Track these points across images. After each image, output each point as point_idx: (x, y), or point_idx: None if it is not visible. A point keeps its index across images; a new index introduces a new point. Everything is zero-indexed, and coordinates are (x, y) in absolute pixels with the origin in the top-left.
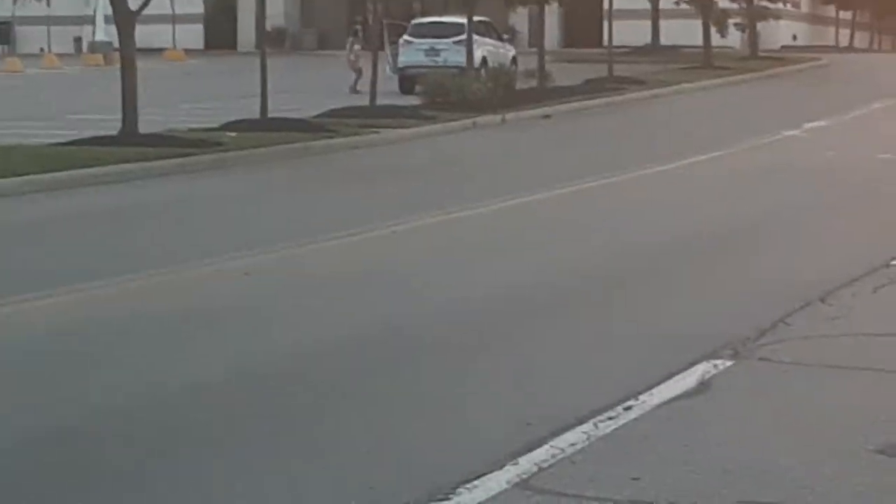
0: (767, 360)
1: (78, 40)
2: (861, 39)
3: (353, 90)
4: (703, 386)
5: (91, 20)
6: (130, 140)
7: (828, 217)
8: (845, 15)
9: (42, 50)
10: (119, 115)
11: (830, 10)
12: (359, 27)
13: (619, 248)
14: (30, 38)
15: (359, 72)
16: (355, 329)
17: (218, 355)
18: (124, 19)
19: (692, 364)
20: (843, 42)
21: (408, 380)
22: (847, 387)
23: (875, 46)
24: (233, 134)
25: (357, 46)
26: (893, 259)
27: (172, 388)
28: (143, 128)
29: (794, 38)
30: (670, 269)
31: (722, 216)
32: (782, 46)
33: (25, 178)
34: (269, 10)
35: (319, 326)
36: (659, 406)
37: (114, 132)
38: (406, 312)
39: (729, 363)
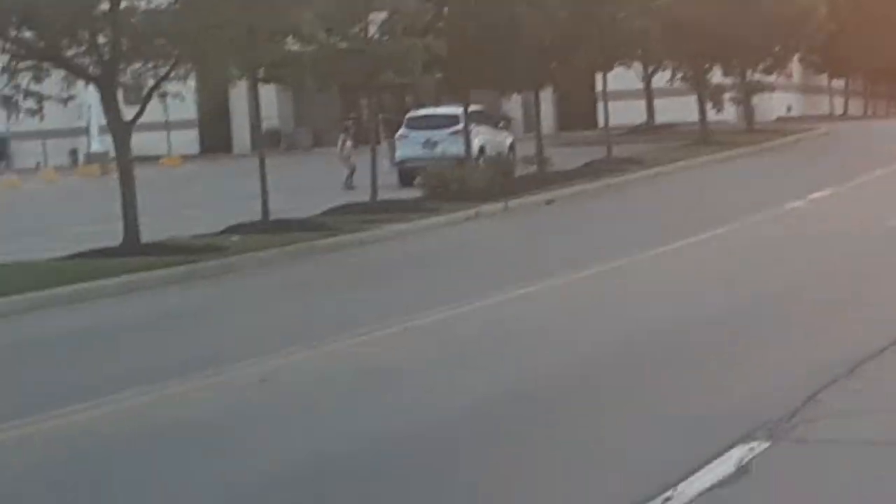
0: (804, 440)
1: (73, 152)
2: (855, 106)
3: (347, 186)
4: (742, 471)
5: (85, 131)
6: (133, 250)
7: (845, 287)
8: (838, 83)
9: (38, 164)
10: (120, 226)
11: (823, 80)
12: (349, 122)
13: (633, 333)
14: (25, 152)
15: (352, 167)
16: (377, 432)
17: (249, 461)
18: (119, 130)
19: (728, 448)
20: (838, 110)
21: (434, 480)
22: (888, 464)
23: (869, 113)
24: (235, 238)
25: (349, 143)
26: None
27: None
28: (145, 236)
29: (789, 108)
30: (690, 351)
31: (735, 293)
32: (778, 118)
33: (25, 295)
34: (263, 112)
35: (331, 433)
36: (698, 496)
37: (115, 243)
38: (422, 415)
39: (765, 445)
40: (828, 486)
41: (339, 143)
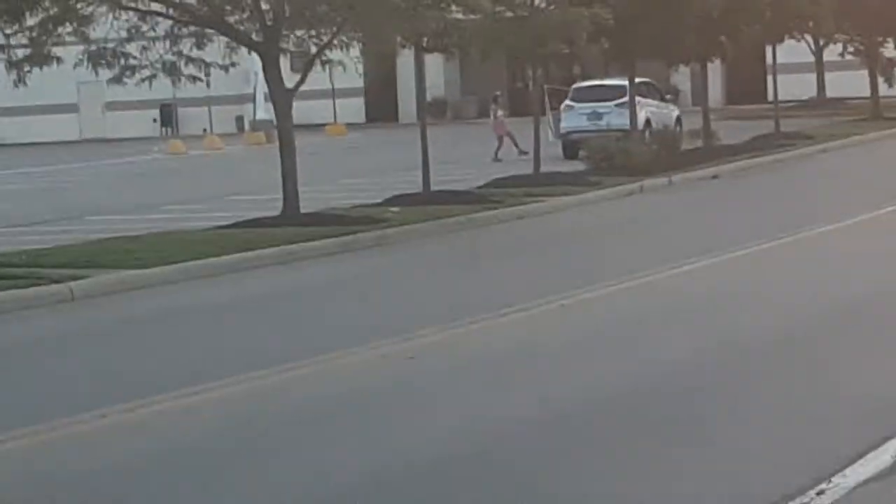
0: None
1: (240, 119)
2: None
3: (496, 158)
4: None
5: (251, 99)
6: (292, 220)
7: None
8: None
9: (204, 131)
10: (280, 195)
11: None
12: (498, 93)
13: (795, 313)
14: (192, 119)
15: (500, 139)
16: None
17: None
18: (281, 98)
19: (886, 439)
20: None
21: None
22: None
23: None
24: (396, 209)
25: (500, 112)
26: None
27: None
28: (306, 206)
29: None
30: (848, 334)
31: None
32: None
33: (186, 264)
34: (428, 81)
35: (484, 407)
36: (854, 489)
37: (276, 212)
38: (587, 389)
39: None
40: None
41: (491, 113)
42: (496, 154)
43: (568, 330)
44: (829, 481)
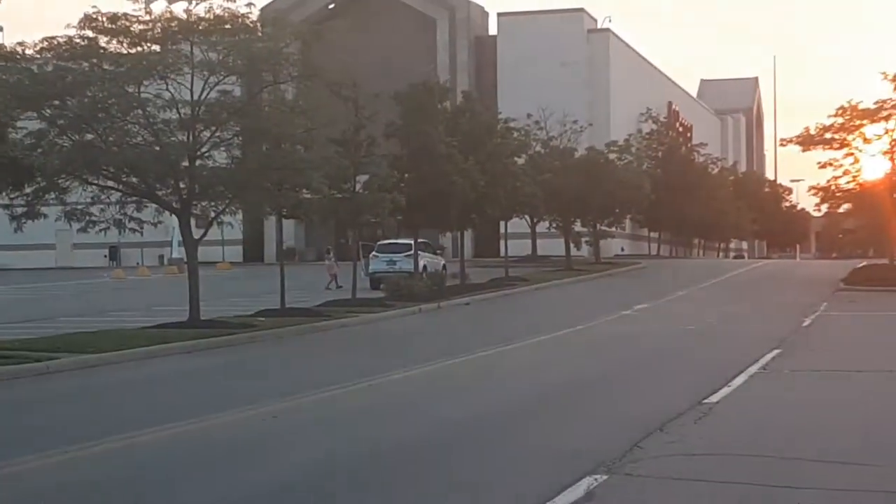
0: (630, 475)
1: (161, 257)
2: (665, 249)
3: (327, 288)
4: (589, 496)
5: (169, 244)
6: (194, 324)
7: (656, 369)
8: (654, 234)
9: (137, 264)
10: (187, 307)
11: (645, 232)
12: (330, 247)
13: (511, 394)
14: (130, 255)
15: (333, 277)
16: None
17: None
18: (190, 244)
19: (577, 480)
20: (654, 251)
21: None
22: (689, 493)
23: (673, 254)
24: (262, 319)
25: (329, 260)
26: (704, 399)
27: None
28: (204, 314)
29: (623, 249)
30: (550, 407)
31: (584, 369)
32: (616, 255)
33: (123, 352)
34: (284, 236)
35: (335, 443)
36: None
37: (183, 319)
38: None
39: (604, 477)
40: None
41: (326, 259)
42: (327, 286)
43: (365, 400)
44: None
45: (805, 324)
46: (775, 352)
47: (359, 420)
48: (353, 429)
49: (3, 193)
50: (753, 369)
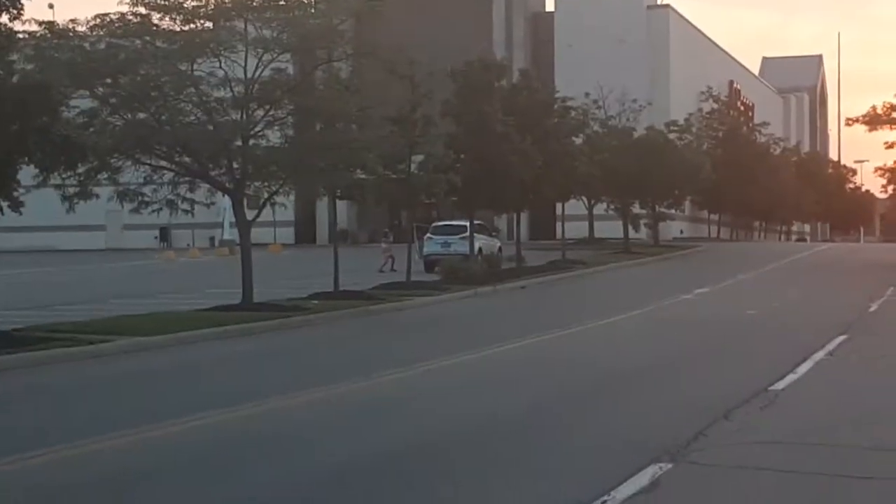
0: (695, 463)
1: (212, 238)
2: (725, 233)
3: (380, 270)
4: (654, 484)
5: (220, 225)
6: (248, 307)
7: (718, 355)
8: (714, 216)
9: (188, 245)
10: (240, 290)
11: (704, 214)
12: (388, 230)
13: (570, 381)
14: (180, 237)
15: (389, 259)
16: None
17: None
18: (243, 226)
19: (641, 468)
20: (714, 234)
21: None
22: (756, 482)
23: (735, 237)
24: (316, 302)
25: (389, 242)
26: (770, 386)
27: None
28: (257, 297)
29: (681, 232)
30: (611, 394)
31: (644, 355)
32: (674, 238)
33: (177, 335)
34: (337, 218)
35: (383, 435)
36: (625, 501)
37: (237, 301)
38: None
39: (669, 465)
40: (716, 497)
41: (382, 242)
42: (381, 268)
43: (430, 384)
44: (609, 494)
45: (871, 309)
46: (841, 337)
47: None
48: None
49: (56, 173)
50: (820, 355)
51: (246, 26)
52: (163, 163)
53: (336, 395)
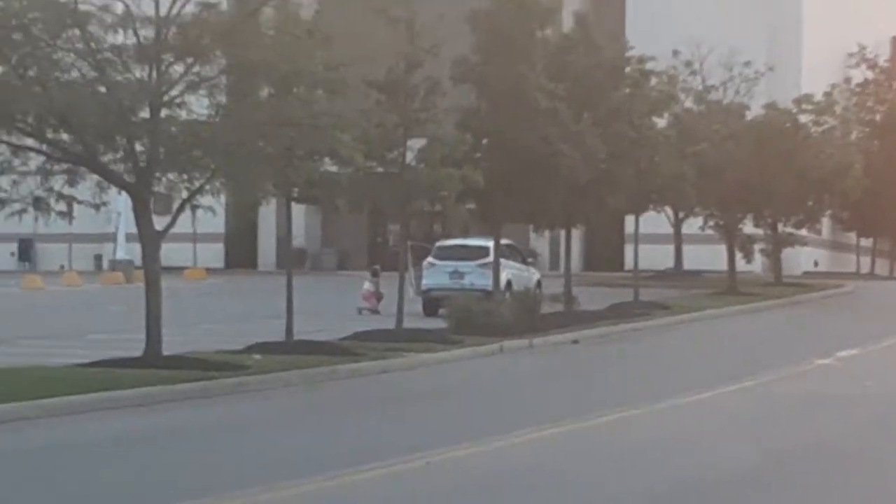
0: None
1: (98, 258)
2: (882, 266)
3: (358, 311)
4: None
5: (112, 238)
6: (154, 363)
7: (873, 456)
8: (866, 242)
9: (62, 267)
10: (142, 335)
11: (851, 237)
12: (377, 267)
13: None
14: (50, 255)
15: (373, 301)
16: None
17: None
18: (150, 240)
19: None
20: (864, 268)
21: None
22: None
23: None
24: (258, 357)
25: (376, 282)
26: None
27: None
28: (167, 349)
29: (816, 264)
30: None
31: (749, 452)
32: (804, 272)
33: (43, 402)
34: (293, 230)
35: None
36: None
37: (137, 353)
38: None
39: None
40: None
41: (367, 282)
42: (361, 309)
43: (430, 488)
44: None
45: None
46: None
47: None
48: None
49: None
50: None
51: None
52: (28, 141)
53: None
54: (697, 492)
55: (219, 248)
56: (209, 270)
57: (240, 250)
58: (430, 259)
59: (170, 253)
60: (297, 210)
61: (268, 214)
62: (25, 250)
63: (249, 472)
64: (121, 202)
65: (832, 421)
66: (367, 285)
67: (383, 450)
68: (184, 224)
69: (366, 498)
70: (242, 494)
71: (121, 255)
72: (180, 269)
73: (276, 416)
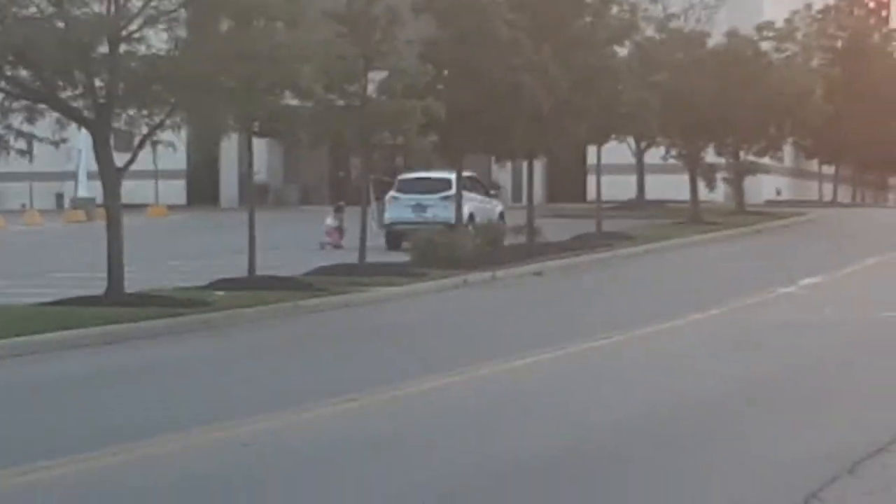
0: None
1: (59, 196)
2: (844, 194)
3: (320, 246)
4: None
5: (73, 176)
6: (116, 300)
7: (835, 381)
8: (828, 169)
9: (24, 206)
10: (104, 274)
11: (813, 165)
12: (342, 203)
13: (597, 424)
14: (11, 193)
15: (335, 236)
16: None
17: None
18: (110, 177)
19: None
20: (827, 196)
21: None
22: None
23: (858, 200)
24: (220, 293)
25: (339, 218)
26: None
27: None
28: (129, 286)
29: (779, 192)
30: (665, 443)
31: (720, 381)
32: (767, 201)
33: (2, 341)
34: (254, 165)
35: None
36: None
37: (99, 291)
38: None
39: None
40: None
41: (329, 219)
42: (322, 244)
43: (398, 420)
44: None
45: None
46: None
47: None
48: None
49: None
50: None
51: None
52: None
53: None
54: (695, 413)
55: (180, 184)
56: (171, 207)
57: (202, 187)
58: (392, 193)
59: (131, 190)
60: (259, 145)
61: (229, 150)
62: None
63: (220, 407)
64: (81, 139)
65: (806, 345)
66: (329, 220)
67: (351, 383)
68: (145, 161)
69: (342, 429)
70: (221, 427)
71: (82, 193)
72: (142, 206)
73: (238, 352)
